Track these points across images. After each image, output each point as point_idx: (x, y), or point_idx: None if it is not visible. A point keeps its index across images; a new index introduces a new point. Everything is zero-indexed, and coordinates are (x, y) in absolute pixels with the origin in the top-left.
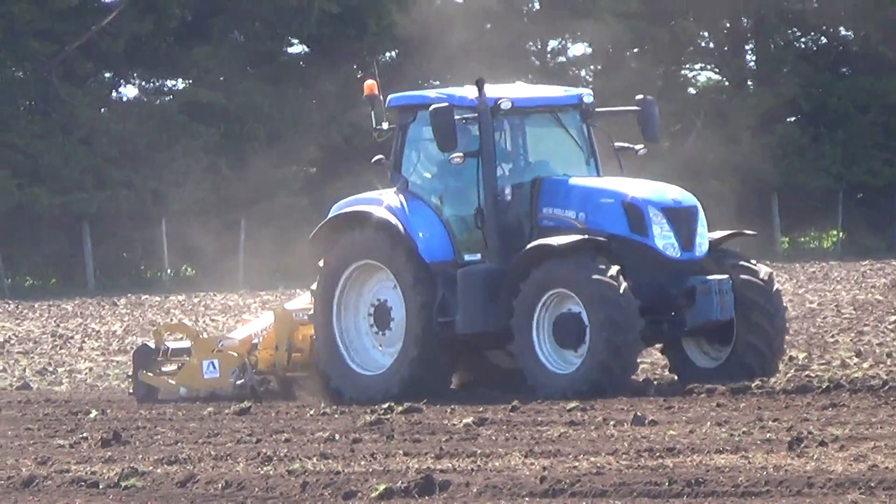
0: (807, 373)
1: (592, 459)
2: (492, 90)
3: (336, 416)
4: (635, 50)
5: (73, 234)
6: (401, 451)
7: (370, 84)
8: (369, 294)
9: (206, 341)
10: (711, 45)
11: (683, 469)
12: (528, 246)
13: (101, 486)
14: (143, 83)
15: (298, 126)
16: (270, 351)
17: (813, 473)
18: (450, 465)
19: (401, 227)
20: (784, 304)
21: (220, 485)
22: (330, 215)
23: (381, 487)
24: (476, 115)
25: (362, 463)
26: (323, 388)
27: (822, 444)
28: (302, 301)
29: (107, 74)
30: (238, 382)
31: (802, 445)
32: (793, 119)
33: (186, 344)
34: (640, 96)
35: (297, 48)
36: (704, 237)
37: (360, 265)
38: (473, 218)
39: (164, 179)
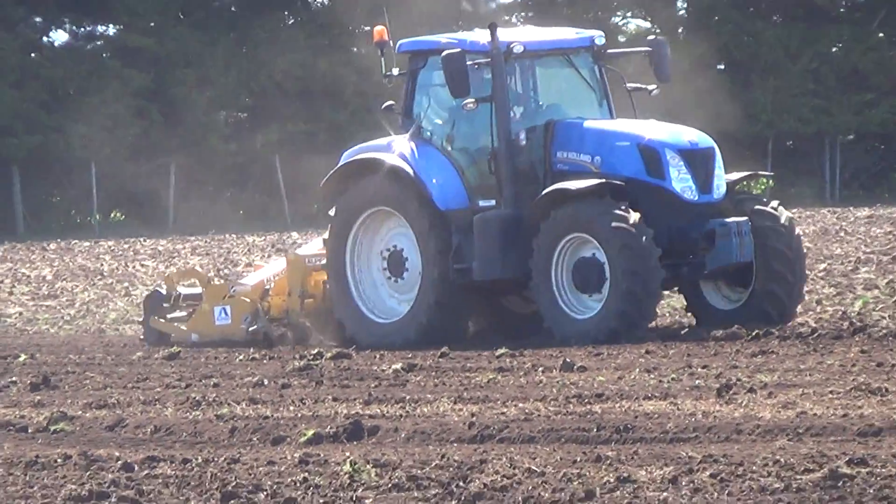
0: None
1: (521, 405)
2: (503, 34)
3: (265, 361)
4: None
5: (2, 178)
6: (329, 397)
7: (380, 30)
8: (382, 241)
9: (218, 287)
10: None
11: (612, 415)
12: (545, 191)
13: (29, 431)
14: (74, 28)
15: (229, 72)
16: (283, 297)
17: (741, 420)
18: (378, 410)
19: (413, 173)
20: (804, 250)
21: (148, 429)
22: (340, 163)
23: (310, 433)
24: (488, 59)
25: (291, 408)
26: (336, 333)
27: (751, 390)
28: (314, 247)
29: (37, 19)
30: (250, 329)
31: (731, 392)
32: (723, 66)
33: (198, 290)
34: (651, 37)
35: None
36: (722, 179)
37: (373, 212)
38: (487, 163)
39: (94, 124)
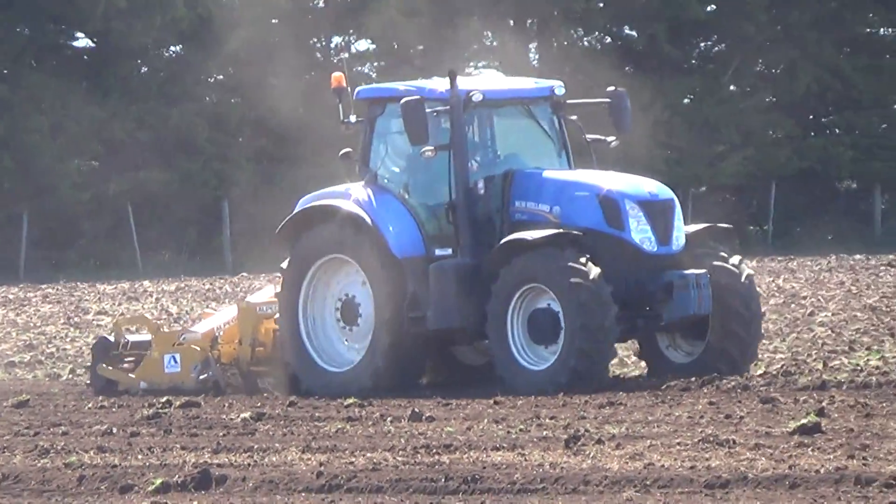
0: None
1: (369, 455)
2: (462, 82)
3: (114, 409)
4: (420, 47)
5: None
6: (178, 445)
7: (338, 76)
8: (336, 289)
9: (168, 335)
10: (495, 43)
11: (460, 466)
12: (503, 241)
13: None
14: None
15: (81, 120)
16: (233, 345)
17: (589, 471)
18: (227, 459)
19: (369, 220)
20: (762, 309)
21: None
22: (296, 209)
23: (158, 481)
24: (447, 107)
25: (139, 456)
26: (286, 382)
27: (599, 441)
28: (265, 294)
29: None
30: (201, 377)
31: (579, 443)
32: (574, 117)
33: (147, 337)
34: (611, 88)
35: (82, 42)
36: (681, 231)
37: (328, 260)
38: (444, 211)
39: None
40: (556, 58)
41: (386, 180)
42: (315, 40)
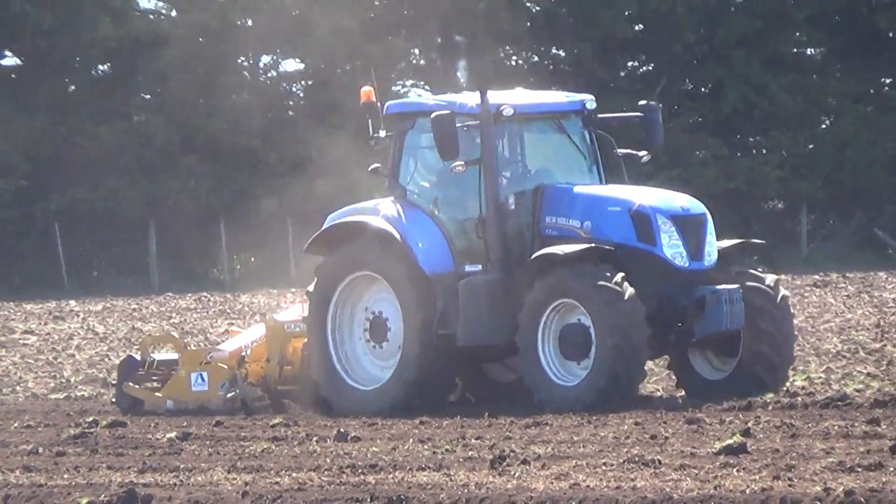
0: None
1: (295, 475)
2: (493, 96)
3: (40, 428)
4: (347, 67)
5: None
6: (104, 465)
7: (367, 91)
8: (365, 306)
9: (195, 353)
10: (423, 61)
11: (385, 486)
12: (534, 255)
13: None
14: None
15: (8, 138)
16: (260, 363)
17: (514, 492)
18: (153, 479)
19: (399, 237)
20: (792, 311)
21: None
22: (325, 225)
23: (84, 501)
24: (477, 122)
25: (66, 476)
26: (314, 401)
27: (525, 462)
28: (293, 312)
29: None
30: (228, 395)
31: (504, 463)
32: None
33: (173, 356)
34: (643, 102)
35: (9, 60)
36: (713, 245)
37: (357, 277)
38: (474, 227)
39: None
40: (482, 76)
41: (415, 196)
42: (243, 59)
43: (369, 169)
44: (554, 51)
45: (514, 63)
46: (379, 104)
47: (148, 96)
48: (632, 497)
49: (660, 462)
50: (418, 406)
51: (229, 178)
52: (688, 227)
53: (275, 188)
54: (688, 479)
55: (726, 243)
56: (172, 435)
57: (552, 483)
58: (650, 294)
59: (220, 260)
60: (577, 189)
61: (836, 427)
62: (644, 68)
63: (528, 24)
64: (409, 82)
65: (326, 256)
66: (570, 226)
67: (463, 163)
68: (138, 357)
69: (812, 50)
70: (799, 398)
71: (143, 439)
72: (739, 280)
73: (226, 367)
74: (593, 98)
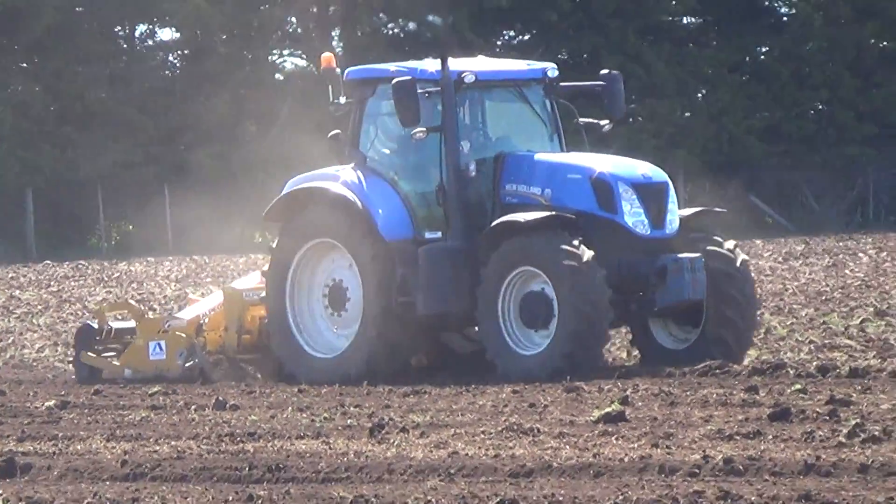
0: None
1: (174, 444)
2: (454, 63)
3: None
4: (224, 36)
5: None
6: None
7: (327, 57)
8: (324, 274)
9: (152, 321)
10: (299, 30)
11: (264, 454)
12: (495, 222)
13: None
14: None
15: None
16: (218, 332)
17: (393, 460)
18: (31, 447)
19: (359, 203)
20: (757, 296)
21: None
22: (284, 191)
23: None
24: (438, 88)
25: None
26: (274, 370)
27: (403, 430)
28: (251, 280)
29: None
30: (187, 364)
31: (383, 432)
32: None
33: (131, 324)
34: (605, 71)
35: None
36: (675, 214)
37: (315, 244)
38: (435, 194)
39: None
40: (359, 45)
41: (376, 162)
42: (119, 28)
43: (329, 136)
44: (430, 18)
45: (389, 31)
46: (339, 70)
47: (24, 65)
48: (510, 465)
49: (538, 430)
50: (380, 374)
51: (106, 147)
52: (649, 194)
53: (151, 156)
54: (566, 447)
55: (688, 211)
56: (51, 403)
57: (431, 451)
58: (611, 263)
59: (97, 228)
60: (538, 157)
61: (714, 395)
62: (520, 37)
63: None
64: (285, 52)
65: (285, 224)
66: (531, 193)
67: (424, 130)
68: (95, 325)
69: (688, 19)
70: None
71: (22, 408)
72: (708, 260)
73: (184, 335)
74: (555, 66)
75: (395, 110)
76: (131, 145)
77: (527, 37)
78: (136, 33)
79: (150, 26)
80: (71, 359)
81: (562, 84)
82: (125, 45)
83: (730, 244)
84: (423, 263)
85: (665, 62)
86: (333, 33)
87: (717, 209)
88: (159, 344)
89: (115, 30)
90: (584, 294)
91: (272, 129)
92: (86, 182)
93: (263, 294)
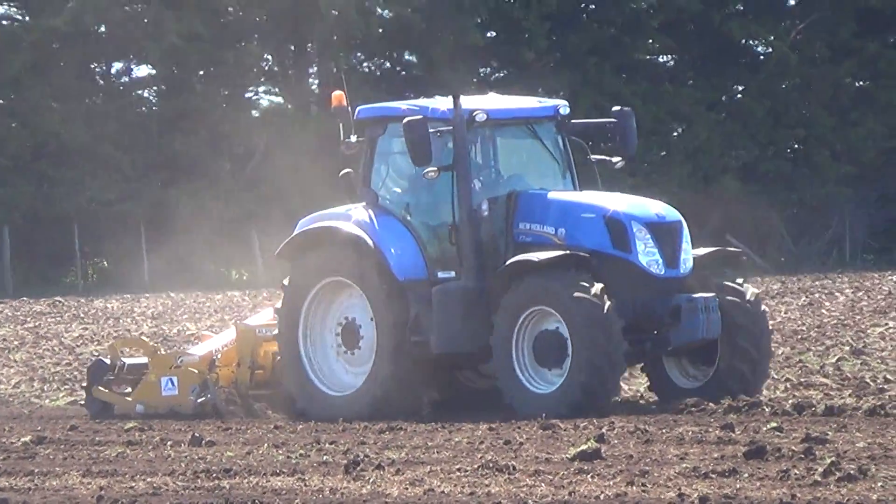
0: None
1: (150, 479)
2: (466, 102)
3: None
4: (201, 73)
5: None
6: None
7: (338, 95)
8: (337, 312)
9: (165, 357)
10: (276, 68)
11: (240, 490)
12: (509, 261)
13: None
14: None
15: None
16: (231, 368)
17: (369, 497)
18: (7, 483)
19: (371, 242)
20: (770, 327)
21: None
22: (296, 231)
23: None
24: (450, 127)
25: None
26: (286, 406)
27: (379, 467)
28: (264, 317)
29: None
30: (199, 400)
31: (359, 468)
32: (355, 139)
33: (143, 359)
34: (617, 108)
35: None
36: (689, 253)
37: (328, 282)
38: (447, 233)
39: None
40: (336, 83)
41: (387, 201)
42: (95, 65)
43: (340, 174)
44: (407, 57)
45: (366, 69)
46: (350, 108)
47: (1, 101)
48: (486, 502)
49: (514, 468)
50: (392, 412)
51: (83, 183)
52: (663, 234)
53: (128, 193)
54: (542, 484)
55: (702, 251)
56: (27, 439)
57: (406, 488)
58: (625, 302)
59: (73, 265)
60: (551, 195)
61: (689, 433)
62: (497, 75)
63: (381, 30)
64: (261, 89)
65: (297, 262)
66: (545, 232)
67: (436, 168)
68: (108, 361)
69: (665, 57)
70: (653, 405)
71: None
72: (719, 294)
73: (196, 371)
74: (567, 104)
75: (407, 149)
76: (108, 182)
77: (503, 74)
78: (113, 70)
79: (127, 63)
80: (52, 394)
81: (573, 121)
82: (102, 82)
83: (750, 293)
84: (437, 303)
85: (642, 100)
86: (311, 70)
87: (732, 249)
88: (171, 380)
89: (92, 66)
90: (598, 331)
91: (248, 165)
92: (62, 218)
93: (276, 331)
